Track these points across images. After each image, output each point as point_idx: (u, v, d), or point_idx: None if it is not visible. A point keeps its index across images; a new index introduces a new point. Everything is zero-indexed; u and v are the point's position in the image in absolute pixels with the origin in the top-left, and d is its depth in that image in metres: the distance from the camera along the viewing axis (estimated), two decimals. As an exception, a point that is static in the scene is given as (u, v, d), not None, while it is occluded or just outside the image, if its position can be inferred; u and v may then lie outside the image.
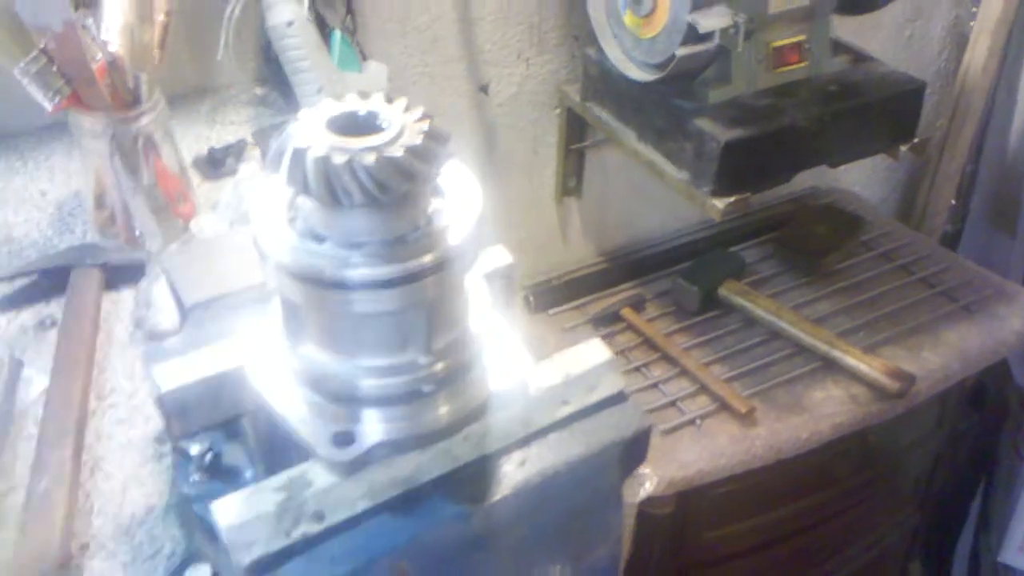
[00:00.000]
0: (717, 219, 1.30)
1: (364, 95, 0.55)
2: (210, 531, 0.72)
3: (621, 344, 1.56)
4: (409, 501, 0.55)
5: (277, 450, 0.64)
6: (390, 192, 0.49)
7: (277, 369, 0.59)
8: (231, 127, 1.22)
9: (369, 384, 0.56)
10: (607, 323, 1.61)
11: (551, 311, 1.65)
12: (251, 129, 1.20)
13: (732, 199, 1.28)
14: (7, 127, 1.17)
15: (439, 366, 0.56)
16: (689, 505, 1.43)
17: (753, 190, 1.30)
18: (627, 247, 1.81)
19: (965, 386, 1.68)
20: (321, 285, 0.52)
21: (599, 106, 1.50)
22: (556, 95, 1.57)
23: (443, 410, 0.57)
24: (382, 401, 0.56)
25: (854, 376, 1.47)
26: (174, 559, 0.76)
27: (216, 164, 1.13)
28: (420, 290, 0.53)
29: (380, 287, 0.52)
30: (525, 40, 1.50)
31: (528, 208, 1.68)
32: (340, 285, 0.52)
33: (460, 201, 0.56)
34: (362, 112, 0.54)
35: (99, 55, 0.93)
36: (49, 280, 0.97)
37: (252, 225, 0.55)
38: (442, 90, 1.48)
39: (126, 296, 0.98)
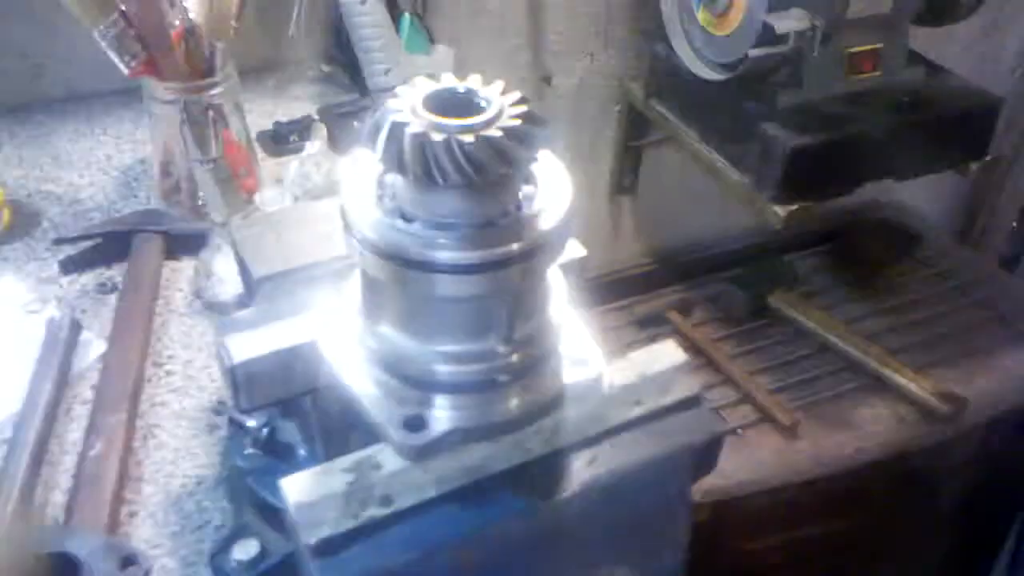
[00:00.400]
0: (778, 227, 1.28)
1: (435, 79, 0.54)
2: (261, 506, 0.72)
3: (667, 347, 1.55)
4: (477, 492, 0.54)
5: (338, 431, 0.63)
6: (487, 173, 0.48)
7: (351, 347, 0.58)
8: (296, 103, 1.22)
9: (445, 370, 0.55)
10: (653, 325, 1.60)
11: (595, 309, 1.64)
12: (316, 106, 1.20)
13: (795, 207, 1.26)
14: (79, 90, 1.17)
15: (516, 356, 0.55)
16: (724, 514, 1.41)
17: (816, 199, 1.28)
18: (677, 249, 1.79)
19: (1015, 413, 1.64)
20: (406, 265, 0.51)
21: (662, 104, 1.48)
22: (618, 91, 1.55)
23: (516, 401, 0.56)
24: (456, 388, 0.55)
25: (903, 396, 1.44)
26: (223, 531, 0.75)
27: (280, 140, 1.13)
28: (506, 277, 0.51)
29: (466, 271, 0.51)
30: (591, 33, 1.49)
31: (581, 203, 1.65)
32: (425, 266, 0.51)
33: (551, 190, 0.54)
34: (461, 91, 0.53)
35: (177, 22, 0.93)
36: (111, 244, 0.97)
37: (340, 198, 0.54)
38: (507, 78, 1.46)
39: (186, 265, 0.99)
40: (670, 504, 0.60)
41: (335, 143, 1.09)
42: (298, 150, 1.10)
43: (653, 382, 0.60)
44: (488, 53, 1.43)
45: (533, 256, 0.52)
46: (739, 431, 1.41)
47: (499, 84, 0.53)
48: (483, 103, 0.52)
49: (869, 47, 1.27)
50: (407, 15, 1.26)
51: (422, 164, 0.48)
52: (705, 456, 0.59)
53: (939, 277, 1.69)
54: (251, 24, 1.19)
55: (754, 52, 1.20)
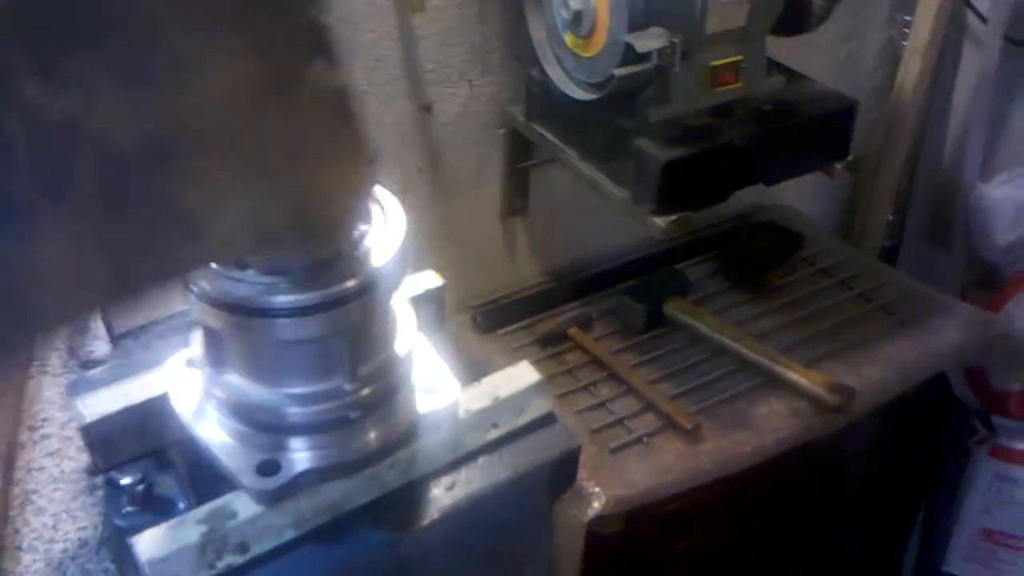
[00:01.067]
0: (658, 237, 1.31)
1: None
2: (137, 563, 0.71)
3: (569, 363, 1.57)
4: (336, 529, 0.54)
5: (207, 480, 0.63)
6: None
7: (202, 398, 0.58)
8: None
9: (294, 412, 0.55)
10: (555, 342, 1.62)
11: (499, 331, 1.66)
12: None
13: (673, 217, 1.30)
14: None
15: (365, 392, 0.56)
16: (638, 524, 1.43)
17: (693, 208, 1.32)
18: (574, 266, 1.82)
19: (905, 399, 1.71)
20: (242, 313, 0.52)
21: (542, 126, 1.51)
22: (500, 115, 1.58)
23: (370, 436, 0.57)
24: (308, 429, 0.56)
25: (796, 391, 1.49)
26: (106, 593, 0.74)
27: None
28: (343, 316, 0.53)
29: (302, 313, 0.52)
30: (467, 61, 1.51)
31: (474, 228, 1.68)
32: (262, 312, 0.51)
33: (384, 226, 0.56)
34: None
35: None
36: (-23, 308, 0.95)
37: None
38: (386, 110, 1.48)
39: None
40: (531, 522, 0.62)
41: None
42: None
43: (508, 404, 0.61)
44: (364, 87, 1.44)
45: (368, 293, 0.53)
46: (644, 440, 1.44)
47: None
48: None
49: (729, 60, 1.32)
50: (278, 56, 1.26)
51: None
52: (562, 471, 0.61)
53: (823, 274, 1.75)
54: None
55: (620, 71, 1.24)
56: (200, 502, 0.66)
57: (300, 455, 0.55)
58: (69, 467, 0.84)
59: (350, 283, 0.52)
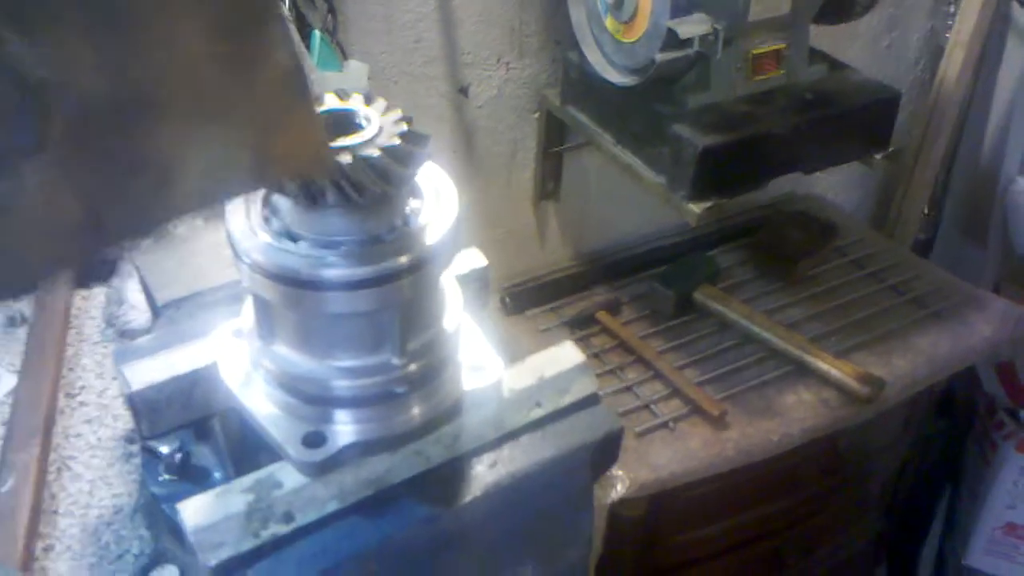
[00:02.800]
0: (693, 223, 1.31)
1: (344, 95, 0.55)
2: (178, 532, 0.72)
3: (596, 347, 1.57)
4: (379, 503, 0.55)
5: (248, 451, 0.64)
6: (365, 192, 0.49)
7: (249, 368, 0.58)
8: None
9: (341, 385, 0.56)
10: (583, 326, 1.62)
11: (527, 312, 1.66)
12: (228, 126, 1.19)
13: (708, 204, 1.29)
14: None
15: (412, 367, 0.56)
16: (661, 507, 1.44)
17: (728, 196, 1.31)
18: (604, 250, 1.81)
19: (933, 392, 1.70)
20: (295, 284, 0.52)
21: (578, 110, 1.51)
22: (536, 98, 1.57)
23: (415, 411, 0.57)
24: (354, 402, 0.56)
25: (825, 381, 1.48)
26: (141, 559, 0.75)
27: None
28: (395, 291, 0.53)
29: (354, 287, 0.52)
30: (506, 43, 1.50)
31: (506, 210, 1.68)
32: (314, 285, 0.52)
33: (437, 203, 0.56)
34: (340, 111, 0.54)
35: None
36: (19, 275, 0.96)
37: (226, 222, 0.54)
38: (424, 90, 1.48)
39: (97, 293, 0.98)
40: (572, 501, 0.62)
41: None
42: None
43: (552, 384, 0.61)
44: (403, 67, 1.44)
45: (420, 269, 0.53)
46: (671, 425, 1.44)
47: (382, 102, 0.54)
48: (364, 122, 0.53)
49: (771, 48, 1.31)
50: (317, 32, 1.26)
51: (301, 185, 0.49)
52: (604, 452, 0.61)
53: (855, 265, 1.74)
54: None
55: (660, 57, 1.23)
56: (238, 472, 0.67)
57: (346, 428, 0.56)
58: (106, 434, 0.85)
59: (403, 259, 0.52)
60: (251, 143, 0.44)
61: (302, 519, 0.53)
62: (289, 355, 0.56)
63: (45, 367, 0.88)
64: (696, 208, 1.29)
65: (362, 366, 0.56)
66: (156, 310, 0.74)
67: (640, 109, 1.36)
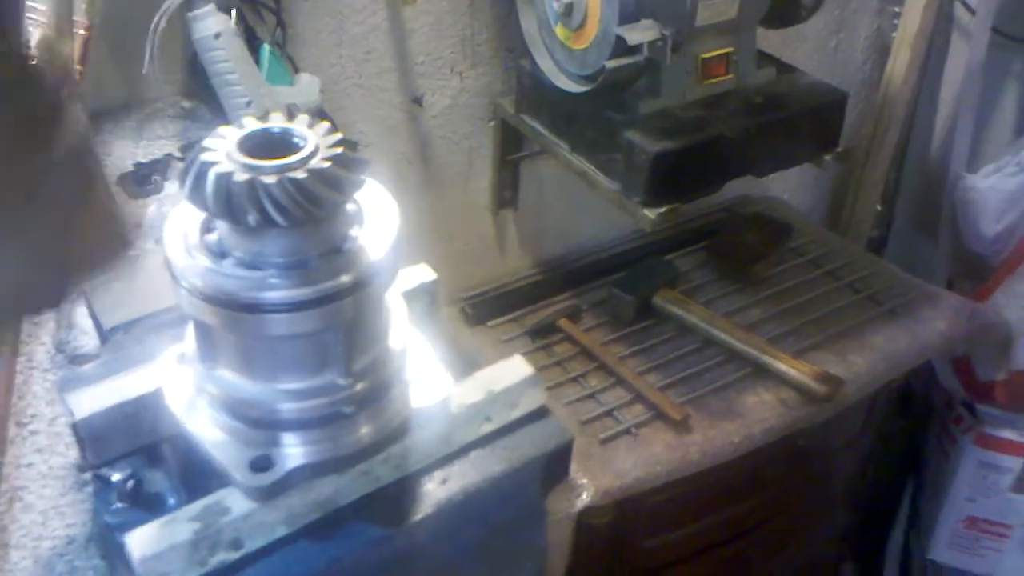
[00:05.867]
0: (648, 229, 1.32)
1: (291, 115, 0.54)
2: (129, 561, 0.71)
3: (559, 355, 1.57)
4: (328, 525, 0.54)
5: (198, 476, 0.63)
6: (289, 216, 0.48)
7: (194, 394, 0.58)
8: (159, 142, 1.20)
9: (287, 407, 0.55)
10: (544, 334, 1.62)
11: (489, 323, 1.66)
12: (178, 144, 1.18)
13: (663, 209, 1.30)
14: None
15: (359, 387, 0.56)
16: (627, 514, 1.44)
17: (683, 200, 1.32)
18: (563, 257, 1.82)
19: (892, 388, 1.72)
20: (234, 308, 0.51)
21: (533, 118, 1.51)
22: (490, 108, 1.58)
23: (363, 431, 0.57)
24: (301, 424, 0.56)
25: (784, 381, 1.50)
26: (96, 590, 0.74)
27: (142, 181, 1.11)
28: (336, 312, 0.52)
29: (295, 309, 0.51)
30: (458, 53, 1.50)
31: (464, 220, 1.68)
32: (254, 308, 0.51)
33: (378, 221, 0.56)
34: (276, 132, 0.54)
35: (14, 71, 0.91)
36: (-36, 302, 0.94)
37: (164, 245, 0.54)
38: (377, 102, 1.47)
39: (47, 319, 0.96)
40: (525, 514, 0.62)
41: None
42: (160, 190, 1.08)
43: (501, 397, 0.61)
44: (355, 79, 1.43)
45: (361, 288, 0.53)
46: (633, 431, 1.45)
47: (324, 125, 0.54)
48: (299, 143, 0.52)
49: (720, 52, 1.33)
50: (266, 46, 1.25)
51: (225, 205, 0.48)
52: (556, 464, 0.61)
53: (812, 265, 1.76)
54: (105, 65, 1.17)
55: (611, 64, 1.24)
56: (191, 498, 0.66)
57: (293, 451, 0.55)
58: (57, 463, 0.83)
59: (344, 278, 0.52)
60: (49, 255, 0.45)
61: (251, 545, 0.53)
62: (232, 379, 0.56)
63: (-8, 396, 0.86)
64: (651, 214, 1.30)
65: (307, 388, 0.55)
66: (103, 334, 0.73)
67: (593, 116, 1.37)
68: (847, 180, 1.98)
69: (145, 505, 0.71)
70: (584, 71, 1.33)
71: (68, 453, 0.84)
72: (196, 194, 0.49)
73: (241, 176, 0.48)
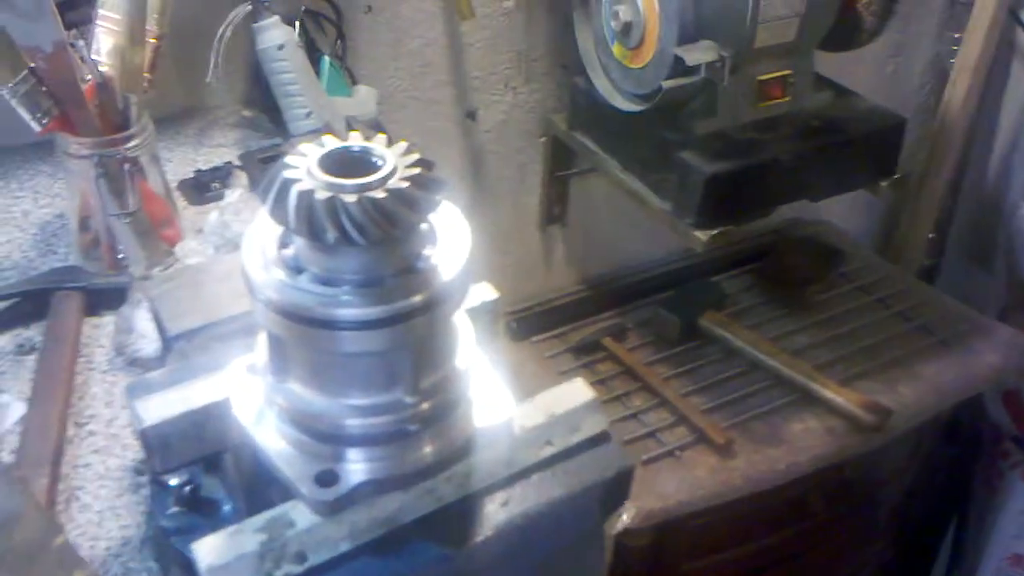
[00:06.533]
0: (700, 250, 1.31)
1: (367, 132, 0.55)
2: (187, 565, 0.71)
3: (602, 373, 1.57)
4: (391, 542, 0.54)
5: (258, 486, 0.63)
6: (368, 235, 0.49)
7: (263, 405, 0.58)
8: (219, 149, 1.22)
9: (354, 423, 0.55)
10: (588, 352, 1.62)
11: (533, 339, 1.66)
12: (238, 152, 1.20)
13: (715, 231, 1.29)
14: (-8, 145, 1.16)
15: (425, 405, 0.56)
16: (667, 537, 1.43)
17: (735, 223, 1.31)
18: (609, 275, 1.82)
19: (940, 420, 1.69)
20: (308, 323, 0.52)
21: (585, 135, 1.51)
22: (542, 123, 1.58)
23: (427, 449, 0.57)
24: (366, 440, 0.56)
25: (831, 409, 1.48)
26: (150, 592, 0.75)
27: (202, 188, 1.13)
28: (408, 330, 0.53)
29: (367, 327, 0.52)
30: (513, 69, 1.51)
31: (512, 235, 1.68)
32: (327, 324, 0.52)
33: (450, 240, 0.56)
34: (356, 150, 0.54)
35: (89, 77, 0.93)
36: (29, 303, 0.96)
37: (242, 257, 0.54)
38: (432, 115, 1.49)
39: (107, 321, 0.98)
40: (584, 540, 0.62)
41: (257, 189, 1.09)
42: (220, 198, 1.10)
43: (563, 421, 0.61)
44: (411, 92, 1.44)
45: (433, 308, 0.53)
46: (676, 453, 1.44)
47: (403, 144, 0.54)
48: (379, 162, 0.53)
49: (777, 74, 1.32)
50: (326, 58, 1.27)
51: (307, 222, 0.49)
52: (615, 491, 0.60)
53: (861, 291, 1.74)
54: (168, 73, 1.19)
55: (668, 83, 1.24)
56: (249, 507, 0.66)
57: (358, 466, 0.55)
58: (114, 464, 0.85)
59: (417, 298, 0.52)
60: None
61: (315, 559, 0.53)
62: (302, 392, 0.56)
63: (54, 396, 0.88)
64: (703, 235, 1.30)
65: (375, 404, 0.55)
66: (167, 340, 0.74)
67: (646, 135, 1.37)
68: (900, 206, 1.95)
69: (201, 510, 0.72)
70: (640, 90, 1.33)
71: (124, 455, 0.86)
72: (278, 210, 0.49)
73: (322, 194, 0.49)
